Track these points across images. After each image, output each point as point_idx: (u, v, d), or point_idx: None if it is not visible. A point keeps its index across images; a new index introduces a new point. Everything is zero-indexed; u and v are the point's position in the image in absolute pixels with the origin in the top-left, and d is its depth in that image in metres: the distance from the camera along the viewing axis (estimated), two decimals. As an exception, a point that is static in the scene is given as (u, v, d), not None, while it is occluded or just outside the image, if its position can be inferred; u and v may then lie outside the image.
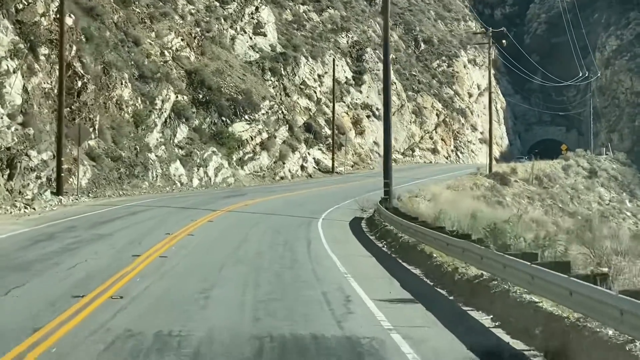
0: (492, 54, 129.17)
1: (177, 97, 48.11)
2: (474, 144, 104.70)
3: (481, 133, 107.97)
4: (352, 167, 70.36)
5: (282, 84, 66.56)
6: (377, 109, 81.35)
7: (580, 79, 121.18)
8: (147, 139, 40.61)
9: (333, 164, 65.52)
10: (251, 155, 54.10)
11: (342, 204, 36.03)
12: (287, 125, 60.91)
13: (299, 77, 70.21)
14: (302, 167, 61.09)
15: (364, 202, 33.71)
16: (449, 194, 38.39)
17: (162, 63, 49.91)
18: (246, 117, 54.85)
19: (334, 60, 71.10)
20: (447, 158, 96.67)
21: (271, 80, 65.35)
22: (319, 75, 74.53)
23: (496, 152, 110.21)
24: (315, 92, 71.70)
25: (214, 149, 48.29)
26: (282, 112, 60.97)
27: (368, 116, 79.60)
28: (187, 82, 52.57)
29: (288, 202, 36.64)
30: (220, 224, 26.07)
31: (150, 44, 50.15)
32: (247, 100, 55.97)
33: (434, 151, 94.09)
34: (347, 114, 76.01)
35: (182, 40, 55.47)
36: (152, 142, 40.99)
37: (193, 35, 58.03)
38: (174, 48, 53.80)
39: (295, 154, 59.93)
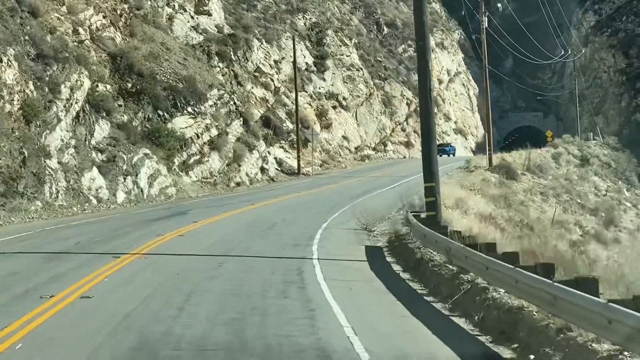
0: (461, 36, 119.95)
1: (95, 85, 36.56)
2: (448, 135, 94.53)
3: (455, 122, 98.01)
4: (320, 166, 59.39)
5: (233, 70, 55.27)
6: (344, 98, 70.62)
7: (557, 60, 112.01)
8: (45, 140, 28.96)
9: (299, 164, 54.49)
10: (198, 157, 42.79)
11: (329, 220, 24.99)
12: (241, 119, 49.71)
13: (252, 62, 58.99)
14: (263, 170, 50.01)
15: (364, 216, 22.65)
16: (474, 197, 27.78)
17: (75, 43, 38.32)
18: (189, 109, 43.54)
19: (293, 39, 59.95)
20: (422, 152, 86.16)
21: (219, 67, 54.04)
22: (275, 62, 63.45)
23: (472, 143, 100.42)
24: (272, 80, 60.54)
25: (148, 151, 36.81)
26: (235, 103, 49.73)
27: (334, 107, 68.70)
28: (112, 67, 41.02)
29: (250, 223, 24.97)
30: (100, 310, 11.96)
31: (59, 19, 38.49)
32: (190, 89, 44.66)
33: (408, 145, 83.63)
34: (310, 105, 65.07)
35: (104, 17, 43.89)
36: (53, 144, 29.33)
37: (119, 12, 46.49)
38: (93, 27, 42.21)
39: (253, 154, 48.80)
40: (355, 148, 68.31)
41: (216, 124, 45.31)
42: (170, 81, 43.87)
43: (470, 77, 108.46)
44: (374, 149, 75.46)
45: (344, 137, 67.44)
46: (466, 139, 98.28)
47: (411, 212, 19.81)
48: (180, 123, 42.00)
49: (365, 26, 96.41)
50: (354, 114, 73.36)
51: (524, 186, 44.14)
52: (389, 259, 17.32)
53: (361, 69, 78.35)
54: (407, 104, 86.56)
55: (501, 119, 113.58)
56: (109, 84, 39.04)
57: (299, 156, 54.22)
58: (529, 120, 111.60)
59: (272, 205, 31.22)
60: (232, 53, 55.90)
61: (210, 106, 45.79)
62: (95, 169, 31.38)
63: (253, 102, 55.70)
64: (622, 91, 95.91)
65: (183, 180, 39.94)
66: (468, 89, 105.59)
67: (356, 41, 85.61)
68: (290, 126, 57.84)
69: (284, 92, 61.73)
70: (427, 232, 15.41)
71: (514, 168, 47.00)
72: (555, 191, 46.81)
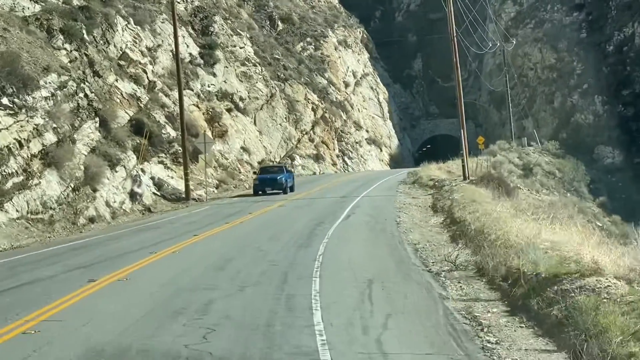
0: (363, 35, 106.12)
1: None
2: (361, 146, 79.98)
3: (367, 132, 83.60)
4: (217, 187, 43.16)
5: (87, 54, 38.35)
6: (241, 98, 54.76)
7: (487, 50, 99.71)
8: None
9: (187, 186, 38.11)
10: (21, 179, 25.85)
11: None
12: (97, 121, 33.03)
13: (115, 47, 42.21)
14: (133, 195, 33.42)
15: None
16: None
17: None
18: (6, 101, 26.64)
19: (174, 16, 43.26)
20: (334, 165, 71.25)
21: (66, 49, 37.07)
22: (149, 49, 46.93)
23: (385, 155, 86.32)
24: (145, 71, 43.98)
25: None
26: (87, 96, 32.98)
27: (229, 110, 52.71)
28: None
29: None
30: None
31: None
32: (10, 71, 27.77)
33: (318, 158, 68.43)
34: (197, 106, 48.76)
35: None
36: None
37: None
38: None
39: (117, 172, 32.23)
40: (259, 162, 52.43)
41: (54, 125, 28.51)
42: (-26, 58, 26.89)
43: (379, 80, 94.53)
44: (279, 163, 59.75)
45: (244, 149, 51.53)
46: (381, 150, 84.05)
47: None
48: (-12, 123, 25.06)
49: (256, 21, 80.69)
50: (253, 119, 57.54)
51: (530, 203, 29.61)
52: None
53: (258, 64, 62.70)
54: (312, 109, 71.45)
55: (413, 128, 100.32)
56: None
57: (186, 174, 37.91)
58: (445, 127, 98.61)
59: (147, 285, 14.85)
60: (84, 31, 39.01)
61: (45, 98, 28.95)
62: None
63: (118, 100, 38.95)
64: (553, 90, 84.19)
65: (-11, 220, 22.98)
66: (377, 92, 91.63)
67: (248, 35, 69.92)
68: (173, 134, 41.49)
69: (161, 88, 45.31)
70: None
71: (505, 179, 32.45)
72: (567, 209, 32.56)
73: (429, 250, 17.13)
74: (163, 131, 41.34)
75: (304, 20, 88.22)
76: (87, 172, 29.19)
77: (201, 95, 50.07)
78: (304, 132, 68.22)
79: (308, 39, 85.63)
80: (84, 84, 33.36)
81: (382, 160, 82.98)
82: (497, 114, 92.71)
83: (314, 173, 65.04)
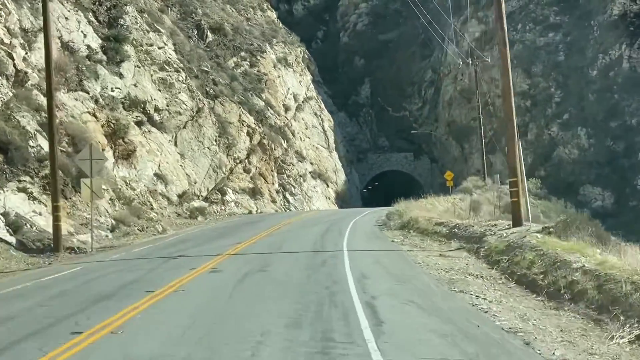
0: (303, 53, 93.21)
1: None
2: (305, 180, 66.39)
3: (311, 164, 70.16)
4: (112, 230, 28.67)
5: None
6: (158, 109, 40.74)
7: (427, 82, 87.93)
8: None
9: (57, 229, 23.71)
10: None
11: None
12: None
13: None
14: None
15: None
16: None
17: None
18: None
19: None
20: (273, 203, 57.41)
21: None
22: (24, 30, 32.62)
23: (331, 192, 72.92)
24: (12, 57, 29.64)
25: None
26: None
27: (140, 123, 38.49)
28: None
29: None
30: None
31: None
32: None
33: (254, 193, 54.58)
34: (94, 115, 34.33)
35: None
36: None
37: None
38: None
39: None
40: (180, 196, 38.30)
41: None
42: None
43: (323, 106, 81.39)
44: (206, 198, 45.68)
45: (158, 176, 37.26)
46: (327, 185, 70.62)
47: None
48: None
49: (182, 30, 66.72)
50: (174, 139, 43.43)
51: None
52: None
53: (182, 70, 48.81)
54: (248, 133, 57.77)
55: (360, 162, 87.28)
56: None
57: (56, 209, 23.57)
58: (397, 163, 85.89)
59: None
60: None
61: None
62: None
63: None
64: (526, 120, 72.44)
65: None
66: (322, 120, 78.44)
67: (173, 42, 55.94)
68: (44, 148, 27.18)
69: (38, 84, 30.93)
70: None
71: (601, 228, 19.31)
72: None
73: None
74: (31, 143, 26.99)
75: (238, 32, 74.70)
76: None
77: (101, 100, 35.77)
78: (238, 161, 54.35)
79: (242, 54, 72.08)
80: None
81: (329, 198, 69.53)
82: (457, 148, 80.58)
83: (250, 212, 51.14)
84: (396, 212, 33.78)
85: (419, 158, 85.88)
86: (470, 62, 64.52)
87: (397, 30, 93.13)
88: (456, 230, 23.17)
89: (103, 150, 31.93)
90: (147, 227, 29.44)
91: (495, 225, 21.76)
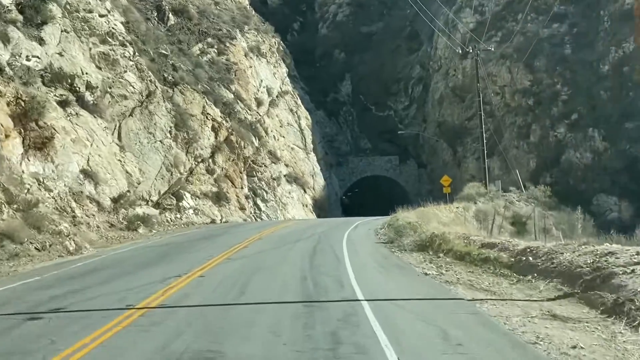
0: (277, 44, 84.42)
1: None
2: (279, 185, 57.49)
3: (286, 166, 61.30)
4: (1, 246, 19.59)
5: None
6: (91, 87, 31.54)
7: (415, 79, 79.53)
8: None
9: None
10: None
11: None
12: None
13: None
14: None
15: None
16: None
17: None
18: None
19: None
20: (242, 210, 48.46)
21: None
22: None
23: (308, 199, 64.05)
24: None
25: None
26: None
27: (64, 102, 29.39)
28: None
29: None
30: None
31: None
32: None
33: (219, 198, 45.66)
34: (-2, 89, 25.34)
35: None
36: None
37: None
38: None
39: None
40: (115, 199, 29.26)
41: None
42: None
43: (300, 102, 72.57)
44: (157, 204, 36.61)
45: (85, 173, 28.18)
46: (305, 191, 61.76)
47: None
48: None
49: (139, 11, 57.55)
50: (117, 129, 34.34)
51: None
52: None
53: (129, 44, 39.76)
54: (213, 128, 48.94)
55: (339, 166, 78.47)
56: None
57: None
58: (380, 167, 77.28)
59: None
60: None
61: None
62: None
63: None
64: (529, 120, 64.32)
65: None
66: (298, 117, 69.62)
67: (124, 20, 46.79)
68: None
69: None
70: None
71: None
72: None
73: None
74: None
75: (204, 15, 65.82)
76: None
77: (8, 70, 26.66)
78: (200, 159, 45.43)
79: (209, 40, 63.15)
80: None
81: (306, 206, 60.71)
82: (448, 151, 72.14)
83: (213, 221, 42.21)
84: (403, 225, 25.03)
85: (405, 162, 77.40)
86: (471, 49, 55.91)
87: (382, 22, 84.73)
88: (530, 257, 14.47)
89: (7, 136, 22.91)
90: (50, 245, 20.31)
91: (612, 253, 12.97)
